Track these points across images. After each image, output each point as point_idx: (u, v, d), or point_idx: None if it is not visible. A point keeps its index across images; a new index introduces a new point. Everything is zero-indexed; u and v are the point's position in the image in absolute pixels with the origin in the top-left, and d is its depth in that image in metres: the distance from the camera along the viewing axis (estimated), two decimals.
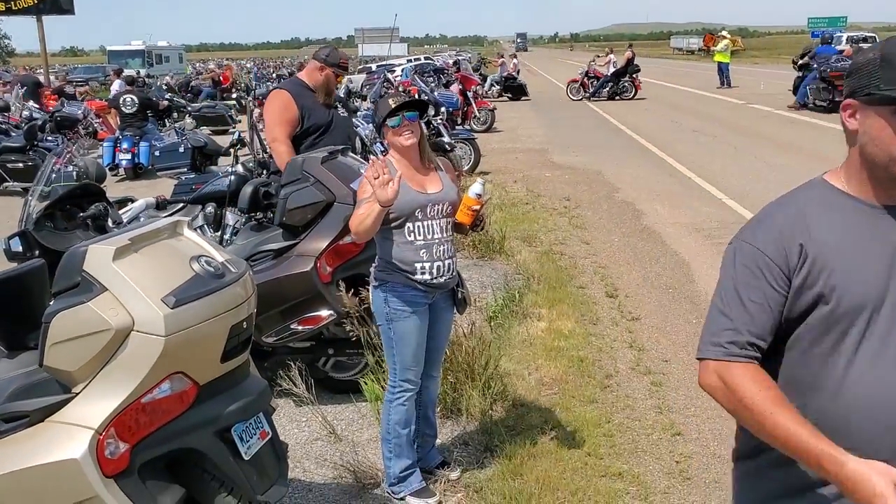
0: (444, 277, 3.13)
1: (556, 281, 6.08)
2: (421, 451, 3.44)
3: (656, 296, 5.90)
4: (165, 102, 16.05)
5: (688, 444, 3.73)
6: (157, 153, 8.31)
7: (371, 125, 9.51)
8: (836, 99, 15.87)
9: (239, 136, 6.69)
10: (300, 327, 3.92)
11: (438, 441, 3.66)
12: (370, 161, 3.15)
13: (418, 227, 3.08)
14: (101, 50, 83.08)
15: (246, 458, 2.40)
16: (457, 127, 14.63)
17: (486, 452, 3.63)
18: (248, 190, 4.32)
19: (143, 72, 35.53)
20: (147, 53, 48.38)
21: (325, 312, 3.91)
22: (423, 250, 3.09)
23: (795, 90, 18.99)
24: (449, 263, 3.15)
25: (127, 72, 22.18)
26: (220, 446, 2.35)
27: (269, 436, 2.56)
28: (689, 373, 4.50)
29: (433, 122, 10.64)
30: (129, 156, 11.62)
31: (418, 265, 3.09)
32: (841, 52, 19.10)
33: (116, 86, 19.96)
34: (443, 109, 11.66)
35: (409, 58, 36.44)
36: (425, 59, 36.13)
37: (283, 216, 3.96)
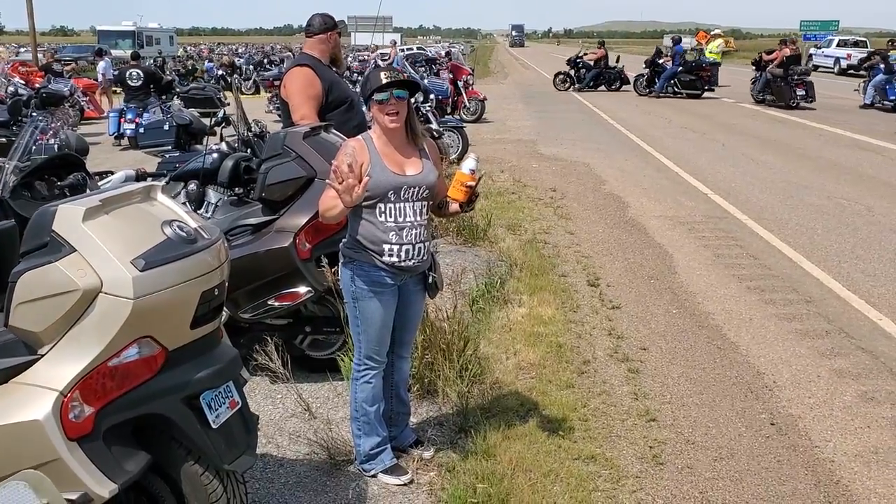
0: (412, 261, 3.10)
1: (538, 269, 6.08)
2: (395, 429, 3.42)
3: (638, 286, 5.91)
4: (170, 77, 16.26)
5: (662, 430, 3.74)
6: (141, 130, 8.22)
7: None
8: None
9: (224, 114, 6.62)
10: (277, 303, 3.89)
11: (414, 420, 3.66)
12: (343, 145, 3.11)
13: (390, 208, 3.04)
14: (92, 31, 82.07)
15: (214, 427, 2.37)
16: (446, 115, 14.62)
17: (460, 433, 3.62)
18: (228, 164, 4.28)
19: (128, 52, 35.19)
20: (137, 35, 47.89)
21: (302, 289, 3.88)
22: (393, 232, 3.05)
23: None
24: (420, 247, 3.11)
25: (116, 53, 22.04)
26: (187, 413, 2.32)
27: (239, 406, 2.53)
28: (667, 361, 4.51)
29: (422, 108, 10.60)
30: (132, 125, 12.52)
31: (386, 247, 3.06)
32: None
33: (101, 67, 19.81)
34: (432, 97, 11.61)
35: (402, 47, 36.27)
36: (417, 48, 36.02)
37: (262, 191, 3.93)
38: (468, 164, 3.10)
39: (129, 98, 13.91)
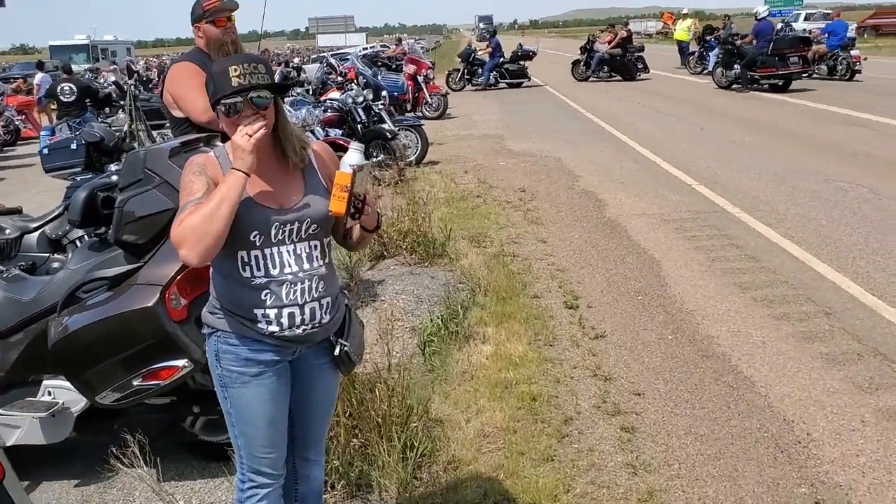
0: (303, 328, 2.12)
1: (506, 290, 5.11)
2: None
3: (623, 305, 4.96)
4: (108, 90, 15.04)
5: None
6: (45, 151, 7.15)
7: (303, 111, 8.45)
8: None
9: (127, 128, 5.60)
10: (145, 383, 2.88)
11: None
12: (187, 164, 2.12)
13: (257, 257, 2.07)
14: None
15: None
16: (406, 113, 13.62)
17: None
18: (80, 196, 3.25)
19: (85, 66, 33.81)
20: (92, 48, 46.43)
21: (179, 362, 2.86)
22: (267, 292, 2.08)
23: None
24: (313, 308, 2.13)
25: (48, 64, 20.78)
26: None
27: None
28: (668, 411, 3.56)
29: (374, 108, 9.61)
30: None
31: (259, 311, 2.09)
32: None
33: (38, 79, 18.57)
34: (384, 94, 10.61)
35: (367, 46, 35.21)
36: (381, 46, 34.92)
37: (120, 231, 2.91)
38: (350, 157, 2.09)
39: (63, 114, 12.83)
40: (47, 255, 4.90)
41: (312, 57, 34.19)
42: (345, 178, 2.05)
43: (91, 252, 3.26)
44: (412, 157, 10.10)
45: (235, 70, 2.01)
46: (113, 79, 17.97)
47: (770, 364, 3.98)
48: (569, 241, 6.48)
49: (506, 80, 22.11)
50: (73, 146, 6.98)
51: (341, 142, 8.24)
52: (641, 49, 22.62)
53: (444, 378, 3.91)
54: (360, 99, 9.35)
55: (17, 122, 17.17)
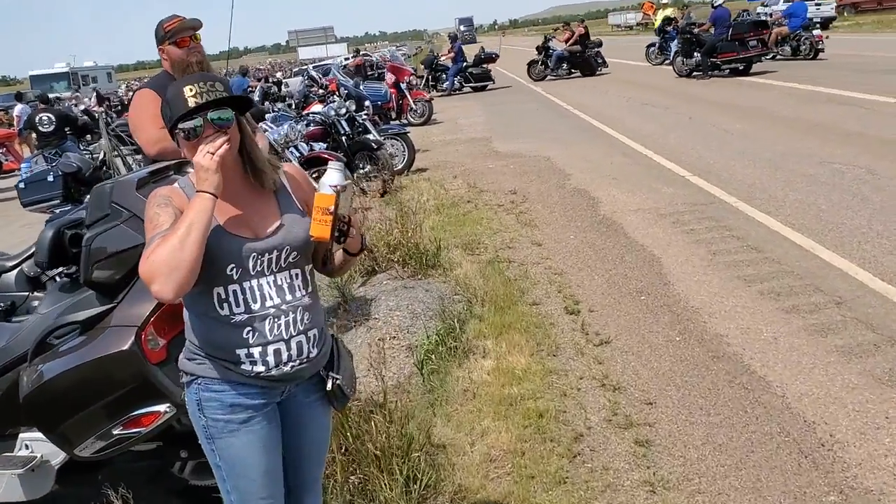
0: (291, 365, 1.96)
1: (504, 299, 4.93)
2: None
3: (626, 306, 4.79)
4: (85, 118, 14.82)
5: None
6: (21, 185, 6.94)
7: (285, 126, 8.27)
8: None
9: (104, 156, 5.41)
10: (126, 431, 2.69)
11: None
12: (150, 197, 1.94)
13: (234, 292, 1.91)
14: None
15: None
16: (392, 121, 13.47)
17: None
18: (46, 235, 3.07)
19: (67, 94, 33.54)
20: (72, 75, 46.20)
21: (161, 406, 2.68)
22: (249, 329, 1.91)
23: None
24: (300, 343, 1.98)
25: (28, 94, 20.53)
26: None
27: None
28: (683, 420, 3.39)
29: (357, 118, 9.43)
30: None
31: (242, 351, 1.92)
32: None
33: (17, 110, 18.35)
34: (368, 104, 10.44)
35: (348, 56, 35.05)
36: (363, 55, 34.72)
37: (89, 270, 2.73)
38: (330, 177, 1.91)
39: (44, 144, 12.61)
40: (27, 293, 4.71)
41: (294, 70, 34.00)
42: (326, 201, 1.88)
43: (62, 294, 3.07)
44: (400, 166, 9.93)
45: (191, 90, 1.84)
46: (82, 107, 17.60)
47: (784, 361, 3.82)
48: (564, 243, 6.31)
49: (470, 84, 22.02)
50: (50, 178, 6.79)
51: (326, 156, 8.05)
52: (600, 44, 22.94)
53: (445, 398, 3.74)
54: (343, 111, 9.18)
55: None
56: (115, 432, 2.69)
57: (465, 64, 21.99)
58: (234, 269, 1.89)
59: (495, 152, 11.28)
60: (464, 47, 22.56)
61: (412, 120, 15.50)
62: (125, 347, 2.62)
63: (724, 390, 3.60)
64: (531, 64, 23.53)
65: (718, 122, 11.28)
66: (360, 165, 8.96)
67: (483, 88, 22.00)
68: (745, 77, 16.79)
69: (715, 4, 17.51)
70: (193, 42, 3.36)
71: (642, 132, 11.23)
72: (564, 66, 22.78)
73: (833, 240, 5.49)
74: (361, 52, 31.71)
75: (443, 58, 22.95)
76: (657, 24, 23.48)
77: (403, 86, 15.69)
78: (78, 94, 33.03)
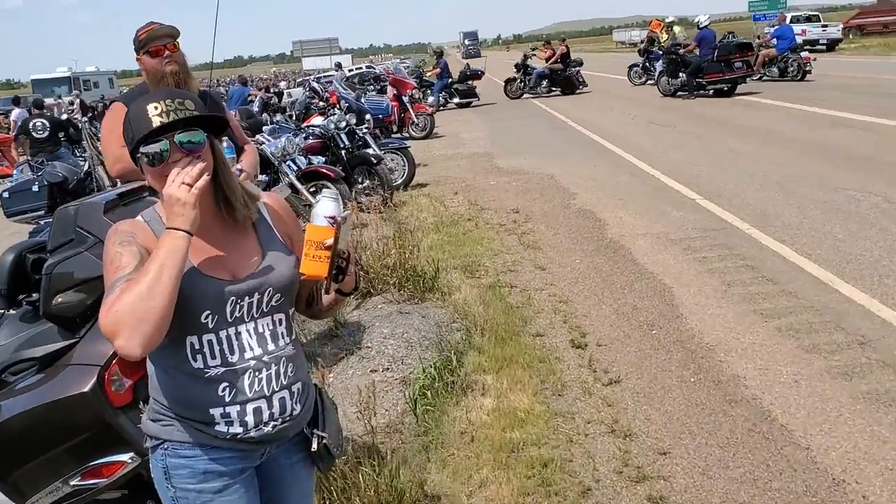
0: (273, 425, 1.71)
1: (505, 329, 4.66)
2: None
3: (636, 340, 4.52)
4: (79, 124, 14.57)
5: None
6: (5, 195, 6.68)
7: (283, 139, 8.02)
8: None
9: (88, 167, 5.16)
10: (84, 483, 2.42)
11: None
12: (110, 232, 1.67)
13: (210, 342, 1.65)
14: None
15: None
16: (393, 135, 13.24)
17: None
18: (7, 259, 2.80)
19: (67, 99, 33.31)
20: (74, 80, 46.10)
21: (124, 456, 2.41)
22: (225, 384, 1.65)
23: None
24: (283, 398, 1.72)
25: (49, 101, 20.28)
26: None
27: None
28: (700, 474, 3.11)
29: (358, 132, 9.19)
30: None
31: (217, 411, 1.66)
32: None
33: (15, 115, 18.12)
34: (368, 118, 10.20)
35: (352, 67, 34.92)
36: (367, 67, 34.60)
37: (49, 301, 2.46)
38: (324, 207, 1.65)
39: (37, 151, 12.37)
40: (2, 311, 4.46)
41: (298, 80, 33.80)
42: (322, 234, 1.62)
43: (22, 324, 2.80)
44: (399, 181, 9.69)
45: (156, 108, 1.58)
46: (64, 116, 17.20)
47: (807, 408, 3.54)
48: (570, 268, 6.04)
49: (455, 101, 21.94)
50: (35, 188, 6.52)
51: (324, 170, 7.81)
52: (580, 63, 23.23)
53: (441, 441, 3.45)
54: (343, 124, 8.94)
55: None
56: (72, 483, 2.42)
57: (450, 80, 22.04)
58: (210, 317, 1.63)
59: (497, 168, 11.04)
60: (469, 61, 22.56)
61: (414, 133, 15.29)
62: (85, 389, 2.36)
63: (743, 440, 3.32)
64: (508, 81, 23.61)
65: (727, 143, 11.05)
66: (359, 180, 8.70)
67: (468, 105, 21.93)
68: (742, 97, 16.75)
69: (700, 26, 17.73)
70: (167, 51, 3.10)
71: (649, 151, 10.98)
72: (545, 83, 22.86)
73: (852, 272, 5.23)
74: (366, 65, 31.58)
75: (428, 74, 23.07)
76: (664, 41, 23.30)
77: (406, 99, 15.47)
78: (70, 97, 32.74)
